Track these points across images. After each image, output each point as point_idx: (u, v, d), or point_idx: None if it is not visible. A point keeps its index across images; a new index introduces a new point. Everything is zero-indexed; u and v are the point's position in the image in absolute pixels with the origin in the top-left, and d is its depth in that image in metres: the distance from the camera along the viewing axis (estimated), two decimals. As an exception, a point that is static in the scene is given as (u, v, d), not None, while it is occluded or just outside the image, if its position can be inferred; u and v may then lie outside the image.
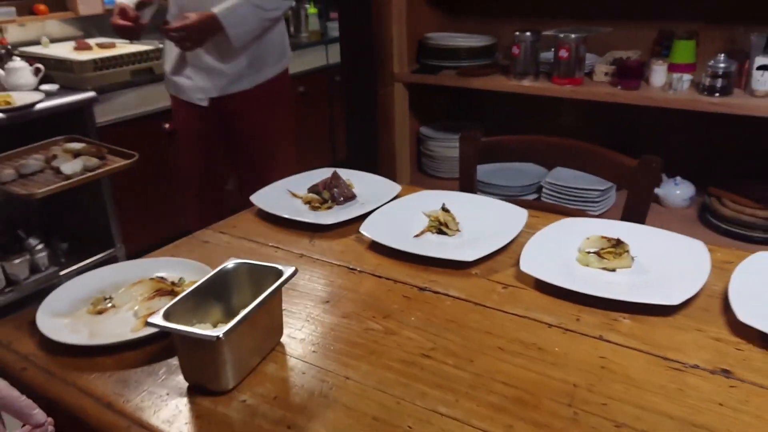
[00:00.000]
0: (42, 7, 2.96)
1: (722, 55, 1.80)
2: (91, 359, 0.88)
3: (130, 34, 1.79)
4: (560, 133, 2.16)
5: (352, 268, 1.10)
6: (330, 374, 0.83)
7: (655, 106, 1.90)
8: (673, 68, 1.93)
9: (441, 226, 1.18)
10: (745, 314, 0.87)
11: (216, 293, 0.89)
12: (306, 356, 0.87)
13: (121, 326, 0.94)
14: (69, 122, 2.52)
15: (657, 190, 2.15)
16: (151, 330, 0.89)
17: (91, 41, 2.88)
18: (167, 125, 2.89)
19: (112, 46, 2.80)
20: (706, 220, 2.03)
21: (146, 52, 2.75)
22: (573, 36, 1.95)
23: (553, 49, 2.02)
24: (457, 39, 2.36)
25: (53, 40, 2.92)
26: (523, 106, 2.28)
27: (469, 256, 1.07)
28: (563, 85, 2.01)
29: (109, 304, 0.99)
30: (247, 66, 1.91)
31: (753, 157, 2.08)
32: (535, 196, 2.23)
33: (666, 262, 1.04)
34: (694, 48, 1.95)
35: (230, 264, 0.90)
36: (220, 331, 0.73)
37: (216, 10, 1.75)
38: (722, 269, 1.01)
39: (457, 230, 1.19)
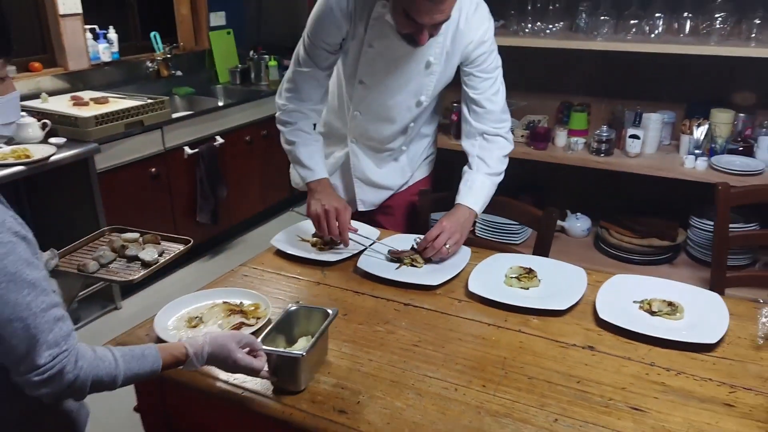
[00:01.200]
0: (37, 64, 3.34)
1: (605, 126, 2.45)
2: (199, 356, 1.36)
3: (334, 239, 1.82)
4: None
5: (356, 291, 1.63)
6: (358, 357, 1.35)
7: (560, 163, 2.53)
8: (571, 133, 2.57)
9: (413, 262, 1.72)
10: (603, 314, 1.45)
11: (280, 326, 1.35)
12: (341, 347, 1.38)
13: (212, 335, 1.42)
14: (74, 171, 2.91)
15: (563, 223, 2.78)
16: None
17: (84, 95, 3.28)
18: (153, 170, 3.32)
19: (105, 101, 3.20)
20: (599, 247, 2.67)
21: (137, 107, 3.17)
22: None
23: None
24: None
25: (48, 94, 3.28)
26: (462, 159, 2.86)
27: (435, 281, 1.62)
28: (491, 145, 2.60)
29: (199, 322, 1.47)
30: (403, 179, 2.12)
31: (632, 199, 2.74)
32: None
33: (560, 282, 1.62)
34: (586, 118, 2.59)
35: (292, 307, 1.38)
36: (303, 352, 1.21)
37: (473, 205, 1.83)
38: (594, 286, 1.60)
39: (423, 264, 1.73)
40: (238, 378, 1.28)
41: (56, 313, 1.03)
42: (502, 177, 1.93)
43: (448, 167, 3.03)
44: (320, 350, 1.32)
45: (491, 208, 1.98)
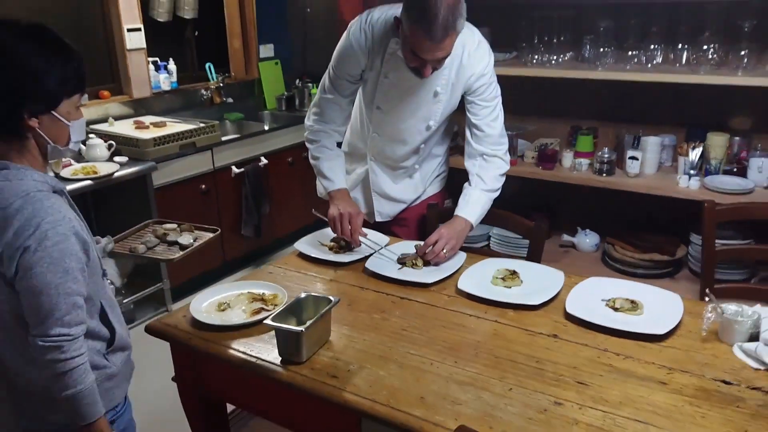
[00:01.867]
0: (106, 92, 3.77)
1: (606, 148, 2.66)
2: (224, 333, 1.64)
3: (347, 239, 2.09)
4: (505, 197, 3.01)
5: (362, 287, 1.89)
6: (354, 338, 1.60)
7: (565, 182, 2.74)
8: (578, 155, 2.77)
9: (414, 264, 1.98)
10: (570, 308, 1.67)
11: (292, 310, 1.63)
12: (342, 330, 1.64)
13: (237, 317, 1.70)
14: (134, 186, 3.29)
15: (572, 239, 2.97)
16: (255, 318, 1.66)
17: (146, 120, 3.68)
18: (203, 186, 3.68)
19: (163, 125, 3.60)
20: (605, 261, 2.85)
21: (191, 131, 3.55)
22: (508, 132, 2.79)
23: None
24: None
25: (114, 119, 3.71)
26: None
27: (429, 279, 1.87)
28: (503, 165, 2.84)
29: (227, 307, 1.76)
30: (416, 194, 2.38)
31: (637, 216, 2.92)
32: (485, 243, 3.03)
33: (540, 282, 1.84)
34: (592, 141, 2.79)
35: (302, 295, 1.65)
36: (302, 328, 1.49)
37: (468, 216, 2.05)
38: (569, 286, 1.81)
39: (423, 266, 1.98)
40: (254, 350, 1.56)
41: (77, 301, 1.29)
42: (498, 193, 2.16)
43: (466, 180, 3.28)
44: (321, 330, 1.58)
45: (492, 220, 2.22)
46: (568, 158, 2.77)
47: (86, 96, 3.66)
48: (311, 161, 2.23)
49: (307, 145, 2.24)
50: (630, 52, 2.59)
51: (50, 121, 1.33)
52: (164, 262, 1.85)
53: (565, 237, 2.99)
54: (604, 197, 2.91)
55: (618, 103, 2.87)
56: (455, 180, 3.18)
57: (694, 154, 2.50)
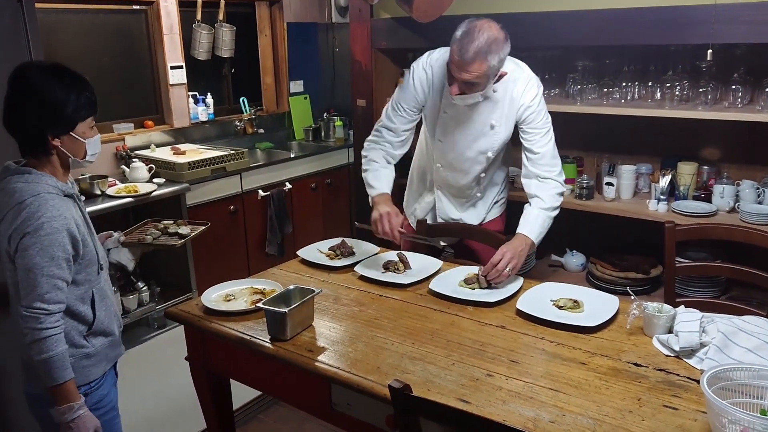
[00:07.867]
0: (150, 122, 4.24)
1: (585, 175, 2.92)
2: (227, 318, 1.97)
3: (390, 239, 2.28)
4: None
5: (348, 287, 2.20)
6: (333, 324, 1.91)
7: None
8: (562, 181, 3.04)
9: (396, 269, 2.28)
10: (520, 305, 1.94)
11: (283, 298, 1.96)
12: (324, 319, 1.95)
13: (239, 306, 2.04)
14: (170, 204, 3.70)
15: (560, 259, 3.22)
16: (253, 307, 1.99)
17: (183, 146, 4.12)
18: (231, 207, 4.07)
19: (198, 151, 4.02)
20: (589, 280, 3.08)
21: (222, 156, 3.96)
22: (498, 160, 3.09)
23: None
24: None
25: (156, 146, 4.15)
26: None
27: (406, 281, 2.17)
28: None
29: (232, 298, 2.10)
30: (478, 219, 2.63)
31: (620, 238, 3.15)
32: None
33: (500, 285, 2.12)
34: (576, 169, 3.06)
35: (292, 286, 1.98)
36: (287, 309, 1.81)
37: (529, 234, 2.21)
38: (525, 289, 2.08)
39: (405, 270, 2.29)
40: (249, 331, 1.88)
41: (59, 284, 1.58)
42: (557, 212, 2.32)
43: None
44: (304, 314, 1.90)
45: (469, 235, 2.51)
46: (552, 184, 3.04)
47: (132, 125, 4.13)
48: (362, 174, 2.45)
49: (362, 159, 2.47)
50: (606, 89, 2.87)
51: (70, 140, 1.67)
52: (169, 248, 2.21)
53: (553, 257, 3.24)
54: (591, 220, 3.16)
55: (601, 135, 3.14)
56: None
57: (664, 181, 2.74)
